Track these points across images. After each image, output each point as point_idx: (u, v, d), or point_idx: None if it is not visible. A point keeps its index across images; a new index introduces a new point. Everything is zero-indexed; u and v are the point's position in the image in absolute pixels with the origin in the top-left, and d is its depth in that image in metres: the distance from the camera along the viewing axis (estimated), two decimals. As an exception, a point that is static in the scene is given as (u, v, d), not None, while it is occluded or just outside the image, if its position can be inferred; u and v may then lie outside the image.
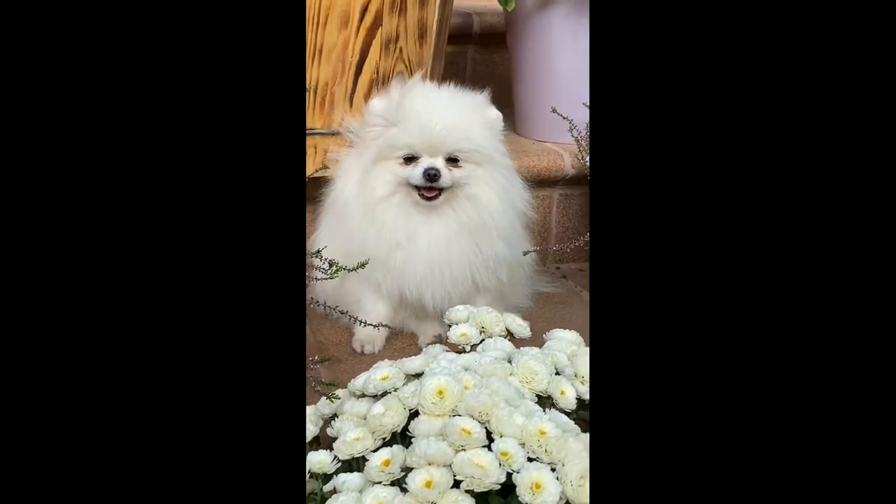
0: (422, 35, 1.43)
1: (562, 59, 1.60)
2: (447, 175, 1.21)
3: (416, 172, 1.21)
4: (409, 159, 1.22)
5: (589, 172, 1.36)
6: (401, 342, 1.35)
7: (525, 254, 1.33)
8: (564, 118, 1.38)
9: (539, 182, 1.63)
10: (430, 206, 1.23)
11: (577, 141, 1.39)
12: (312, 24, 1.31)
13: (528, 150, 1.66)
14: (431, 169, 1.20)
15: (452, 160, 1.23)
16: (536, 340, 1.06)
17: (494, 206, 1.26)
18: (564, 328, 1.42)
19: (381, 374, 0.88)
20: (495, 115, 1.28)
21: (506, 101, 1.84)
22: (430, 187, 1.21)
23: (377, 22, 1.35)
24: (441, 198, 1.23)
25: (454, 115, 1.22)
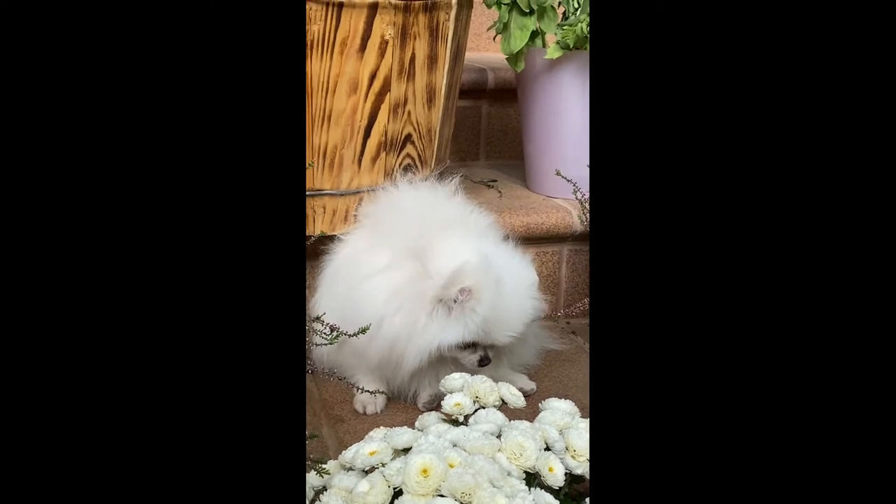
0: (430, 99, 1.46)
1: (569, 119, 1.62)
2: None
3: (472, 357, 1.24)
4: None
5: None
6: (405, 401, 1.36)
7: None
8: (568, 181, 1.39)
9: (548, 238, 1.65)
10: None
11: (581, 203, 1.40)
12: (322, 91, 1.34)
13: (538, 207, 1.68)
14: (486, 359, 1.24)
15: None
16: (539, 402, 1.08)
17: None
18: (570, 388, 1.43)
19: (370, 448, 0.89)
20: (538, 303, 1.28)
21: (519, 154, 1.87)
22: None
23: (385, 87, 1.38)
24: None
25: (522, 320, 1.24)
